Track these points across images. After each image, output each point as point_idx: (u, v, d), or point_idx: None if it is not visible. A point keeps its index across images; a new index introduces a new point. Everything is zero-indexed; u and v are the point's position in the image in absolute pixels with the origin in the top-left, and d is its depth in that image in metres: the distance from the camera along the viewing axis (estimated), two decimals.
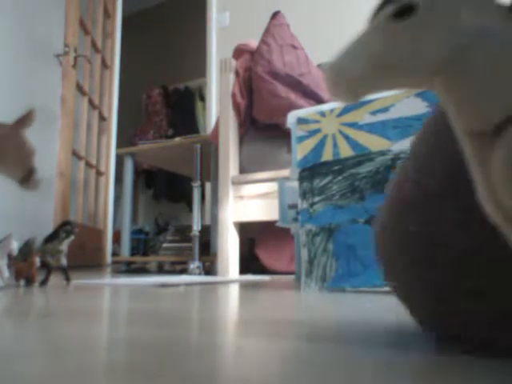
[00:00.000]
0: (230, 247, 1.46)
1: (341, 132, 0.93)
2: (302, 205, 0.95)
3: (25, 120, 0.72)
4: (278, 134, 1.54)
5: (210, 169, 2.24)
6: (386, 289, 0.83)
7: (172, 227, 2.36)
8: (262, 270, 1.84)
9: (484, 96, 0.24)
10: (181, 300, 0.69)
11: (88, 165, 2.84)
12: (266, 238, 1.78)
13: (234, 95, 1.54)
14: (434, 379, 0.25)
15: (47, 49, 2.42)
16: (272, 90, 1.47)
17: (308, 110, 0.99)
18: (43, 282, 1.01)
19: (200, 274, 1.71)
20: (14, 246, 0.94)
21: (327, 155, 0.94)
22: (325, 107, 0.97)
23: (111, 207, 3.11)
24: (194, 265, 1.72)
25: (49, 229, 2.31)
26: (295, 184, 1.05)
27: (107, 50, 3.18)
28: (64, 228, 1.03)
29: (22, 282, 1.00)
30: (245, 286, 1.02)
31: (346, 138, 0.92)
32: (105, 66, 3.12)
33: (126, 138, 4.43)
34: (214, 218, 1.83)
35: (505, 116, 0.24)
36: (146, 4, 4.81)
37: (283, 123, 1.48)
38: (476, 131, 0.25)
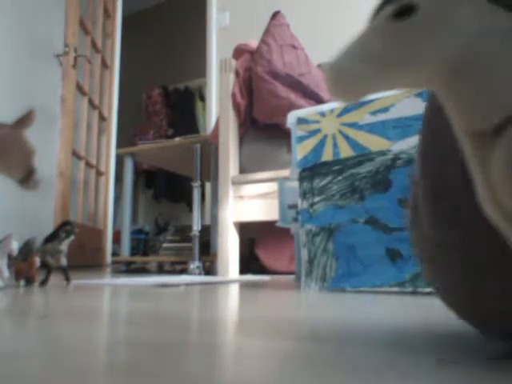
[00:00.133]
0: (230, 247, 1.46)
1: (341, 132, 0.93)
2: (302, 205, 0.95)
3: (25, 120, 0.72)
4: (277, 133, 1.54)
5: (209, 169, 2.24)
6: (386, 289, 0.83)
7: (172, 227, 2.36)
8: (262, 270, 1.84)
9: (484, 96, 0.24)
10: (181, 300, 0.69)
11: (88, 165, 2.84)
12: (266, 238, 1.78)
13: (234, 95, 1.54)
14: (434, 379, 0.25)
15: (47, 49, 2.42)
16: (272, 90, 1.47)
17: (308, 110, 0.99)
18: (43, 282, 1.01)
19: (200, 274, 1.71)
20: (14, 246, 0.94)
21: (327, 155, 0.94)
22: (325, 107, 0.97)
23: (111, 207, 3.11)
24: (194, 265, 1.72)
25: (49, 229, 2.31)
26: (295, 184, 1.05)
27: (107, 50, 3.18)
28: (64, 228, 1.03)
29: (22, 282, 1.00)
30: (245, 286, 1.02)
31: (346, 138, 0.92)
32: (105, 66, 3.12)
33: (126, 138, 4.43)
34: (214, 218, 1.83)
35: (505, 116, 0.24)
36: (145, 4, 4.81)
37: (283, 123, 1.48)
38: (476, 131, 0.25)
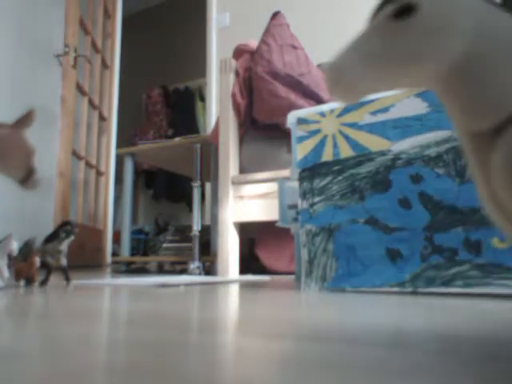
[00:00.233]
0: (230, 247, 1.46)
1: (341, 132, 0.93)
2: (302, 205, 0.95)
3: (25, 120, 0.72)
4: (278, 134, 1.54)
5: (210, 169, 2.24)
6: (386, 289, 0.83)
7: (172, 227, 2.36)
8: (262, 270, 1.84)
9: (484, 96, 0.24)
10: (181, 300, 0.70)
11: (88, 165, 2.84)
12: (266, 238, 1.78)
13: (233, 95, 1.54)
14: (434, 379, 0.25)
15: (47, 49, 2.42)
16: (272, 90, 1.47)
17: (308, 110, 0.99)
18: (43, 282, 1.01)
19: (200, 274, 1.71)
20: (14, 246, 0.94)
21: (327, 155, 0.94)
22: (325, 107, 0.97)
23: (111, 207, 3.11)
24: (194, 265, 1.72)
25: (49, 229, 2.31)
26: (295, 184, 1.05)
27: (107, 50, 3.18)
28: (64, 228, 1.04)
29: (22, 282, 1.00)
30: (245, 286, 1.02)
31: (346, 138, 0.92)
32: (105, 66, 3.12)
33: (126, 138, 4.44)
34: (214, 218, 1.83)
35: (505, 116, 0.24)
36: (145, 4, 4.81)
37: (283, 123, 1.48)
38: (476, 131, 0.25)
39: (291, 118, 1.01)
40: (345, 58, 0.26)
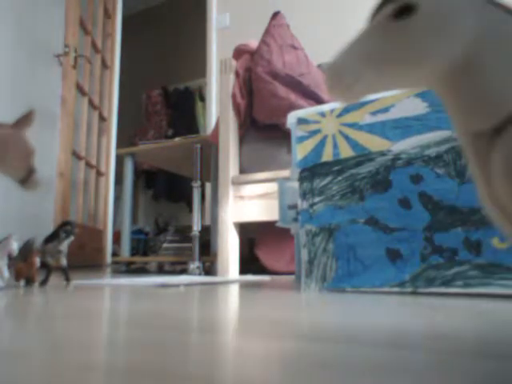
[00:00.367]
0: (230, 247, 1.46)
1: (341, 132, 0.93)
2: (302, 205, 0.95)
3: (25, 120, 0.72)
4: (278, 134, 1.54)
5: (210, 169, 2.24)
6: (386, 289, 0.83)
7: (172, 227, 2.36)
8: (262, 270, 1.84)
9: (484, 96, 0.24)
10: (181, 300, 0.69)
11: (88, 165, 2.84)
12: (266, 239, 1.78)
13: (233, 96, 1.54)
14: (434, 379, 0.25)
15: (47, 49, 2.42)
16: (272, 90, 1.47)
17: (308, 111, 0.99)
18: (43, 283, 1.01)
19: (200, 274, 1.71)
20: (14, 246, 0.94)
21: (327, 155, 0.94)
22: (325, 107, 0.97)
23: (111, 207, 3.11)
24: (194, 265, 1.72)
25: (49, 229, 2.31)
26: (295, 184, 1.05)
27: (107, 50, 3.18)
28: (64, 228, 1.03)
29: (22, 283, 1.00)
30: (245, 287, 1.02)
31: (346, 138, 0.92)
32: (105, 66, 3.12)
33: (126, 138, 4.43)
34: (214, 218, 1.83)
35: (504, 116, 0.24)
36: (145, 4, 4.81)
37: (283, 123, 1.48)
38: (476, 131, 0.25)
39: (291, 118, 1.01)
40: (344, 58, 0.26)
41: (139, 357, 0.30)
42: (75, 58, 2.57)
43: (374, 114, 0.90)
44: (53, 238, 1.03)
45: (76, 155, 2.64)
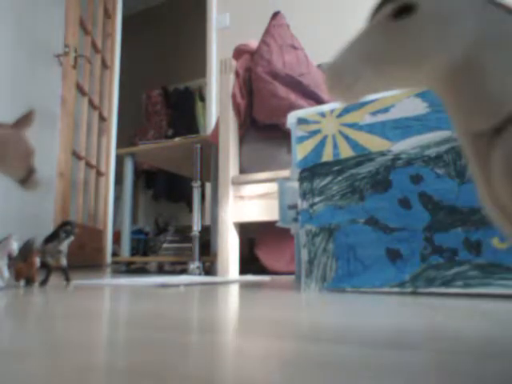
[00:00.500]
0: (230, 247, 1.46)
1: (341, 132, 0.93)
2: (302, 205, 0.95)
3: (25, 120, 0.72)
4: (278, 134, 1.54)
5: (210, 169, 2.24)
6: (386, 289, 0.83)
7: (172, 227, 2.36)
8: (262, 270, 1.84)
9: (484, 96, 0.24)
10: (181, 300, 0.69)
11: (88, 165, 2.84)
12: (266, 239, 1.78)
13: (234, 96, 1.54)
14: (434, 379, 0.25)
15: (47, 49, 2.42)
16: (272, 90, 1.47)
17: (308, 111, 0.99)
18: (43, 283, 1.01)
19: (200, 274, 1.71)
20: (14, 246, 0.94)
21: (327, 156, 0.94)
22: (325, 108, 0.97)
23: (111, 207, 3.11)
24: (194, 265, 1.72)
25: (49, 229, 2.31)
26: (295, 184, 1.05)
27: (107, 50, 3.18)
28: (64, 228, 1.03)
29: (22, 283, 1.00)
30: (245, 287, 1.02)
31: (346, 138, 0.92)
32: (105, 66, 3.12)
33: (126, 138, 4.43)
34: (214, 218, 1.83)
35: (505, 116, 0.24)
36: (145, 4, 4.81)
37: (283, 123, 1.48)
38: (476, 131, 0.25)
39: (291, 118, 1.01)
40: (344, 58, 0.26)
41: (139, 357, 0.30)
42: (75, 58, 2.57)
43: (374, 114, 0.90)
44: (53, 238, 1.03)
45: (76, 155, 2.64)
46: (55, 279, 1.27)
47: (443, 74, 0.25)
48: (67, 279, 1.06)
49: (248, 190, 1.47)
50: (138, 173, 4.21)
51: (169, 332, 0.40)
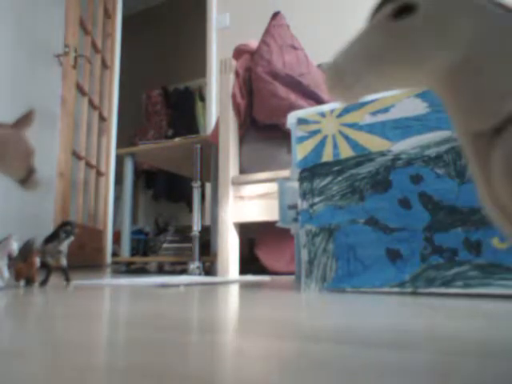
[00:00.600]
0: (230, 247, 1.46)
1: (341, 132, 0.93)
2: (302, 205, 0.95)
3: (25, 120, 0.72)
4: (278, 134, 1.54)
5: (210, 169, 2.24)
6: (386, 289, 0.83)
7: (172, 227, 2.36)
8: (262, 270, 1.84)
9: (484, 96, 0.24)
10: (181, 300, 0.69)
11: (88, 165, 2.84)
12: (266, 239, 1.78)
13: (233, 96, 1.54)
14: (435, 379, 0.25)
15: (47, 49, 2.42)
16: (272, 90, 1.47)
17: (308, 111, 0.99)
18: (43, 283, 1.01)
19: (200, 274, 1.71)
20: (14, 246, 0.94)
21: (327, 156, 0.94)
22: (325, 108, 0.97)
23: (111, 207, 3.11)
24: (194, 265, 1.72)
25: (49, 229, 2.31)
26: (295, 184, 1.05)
27: (107, 50, 3.18)
28: (64, 228, 1.03)
29: (22, 283, 1.00)
30: (245, 287, 1.02)
31: (346, 138, 0.92)
32: (105, 66, 3.12)
33: (126, 138, 4.43)
34: (214, 218, 1.83)
35: (505, 116, 0.24)
36: (145, 4, 4.81)
37: (283, 124, 1.48)
38: (476, 131, 0.25)
39: (291, 118, 1.01)
40: (344, 58, 0.26)
41: (139, 357, 0.30)
42: (75, 58, 2.57)
43: (373, 114, 0.90)
44: (53, 238, 1.03)
45: (76, 155, 2.64)
46: (55, 279, 1.27)
47: (443, 74, 0.25)
48: (67, 279, 1.06)
49: (248, 190, 1.47)
50: (138, 173, 4.21)
51: (169, 332, 0.40)
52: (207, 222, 2.84)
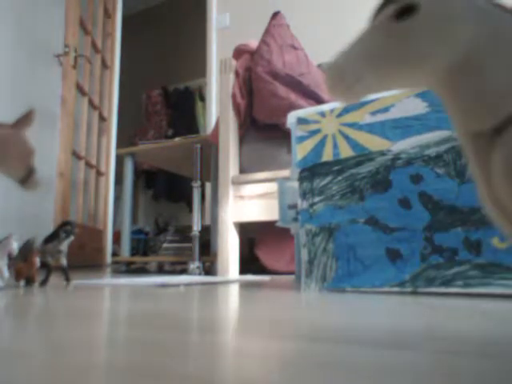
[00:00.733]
0: (230, 247, 1.46)
1: (341, 132, 0.93)
2: (302, 205, 0.95)
3: (25, 120, 0.72)
4: (278, 134, 1.54)
5: (210, 169, 2.24)
6: (386, 289, 0.83)
7: (172, 227, 2.36)
8: (262, 270, 1.84)
9: (484, 96, 0.24)
10: (181, 300, 0.69)
11: (88, 165, 2.84)
12: (266, 238, 1.78)
13: (233, 95, 1.54)
14: (434, 379, 0.25)
15: (47, 49, 2.42)
16: (272, 90, 1.47)
17: (308, 111, 0.99)
18: (43, 282, 1.01)
19: (200, 274, 1.71)
20: (14, 246, 0.94)
21: (327, 155, 0.94)
22: (325, 107, 0.97)
23: (111, 207, 3.11)
24: (194, 265, 1.72)
25: (49, 229, 2.31)
26: (295, 184, 1.05)
27: (107, 50, 3.18)
28: (64, 228, 1.03)
29: (22, 283, 1.00)
30: (245, 286, 1.02)
31: (346, 138, 0.92)
32: (105, 66, 3.12)
33: (126, 138, 4.43)
34: (214, 218, 1.83)
35: (505, 116, 0.24)
36: (145, 4, 4.81)
37: (283, 123, 1.48)
38: (476, 131, 0.25)
39: (291, 118, 1.01)
40: (345, 58, 0.26)
41: (139, 357, 0.30)
42: (75, 58, 2.57)
43: (373, 113, 0.90)
44: (53, 238, 1.03)
45: (76, 155, 2.64)
46: (55, 279, 1.27)
47: (443, 74, 0.25)
48: (67, 279, 1.06)
49: (248, 189, 1.47)
50: (138, 173, 4.21)
51: (169, 332, 0.40)
52: (207, 222, 2.84)
